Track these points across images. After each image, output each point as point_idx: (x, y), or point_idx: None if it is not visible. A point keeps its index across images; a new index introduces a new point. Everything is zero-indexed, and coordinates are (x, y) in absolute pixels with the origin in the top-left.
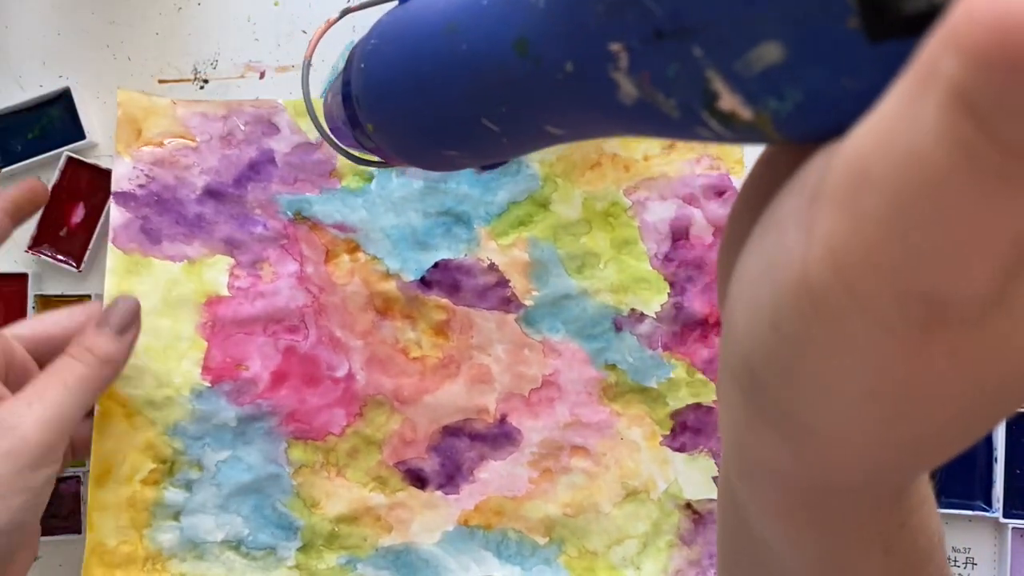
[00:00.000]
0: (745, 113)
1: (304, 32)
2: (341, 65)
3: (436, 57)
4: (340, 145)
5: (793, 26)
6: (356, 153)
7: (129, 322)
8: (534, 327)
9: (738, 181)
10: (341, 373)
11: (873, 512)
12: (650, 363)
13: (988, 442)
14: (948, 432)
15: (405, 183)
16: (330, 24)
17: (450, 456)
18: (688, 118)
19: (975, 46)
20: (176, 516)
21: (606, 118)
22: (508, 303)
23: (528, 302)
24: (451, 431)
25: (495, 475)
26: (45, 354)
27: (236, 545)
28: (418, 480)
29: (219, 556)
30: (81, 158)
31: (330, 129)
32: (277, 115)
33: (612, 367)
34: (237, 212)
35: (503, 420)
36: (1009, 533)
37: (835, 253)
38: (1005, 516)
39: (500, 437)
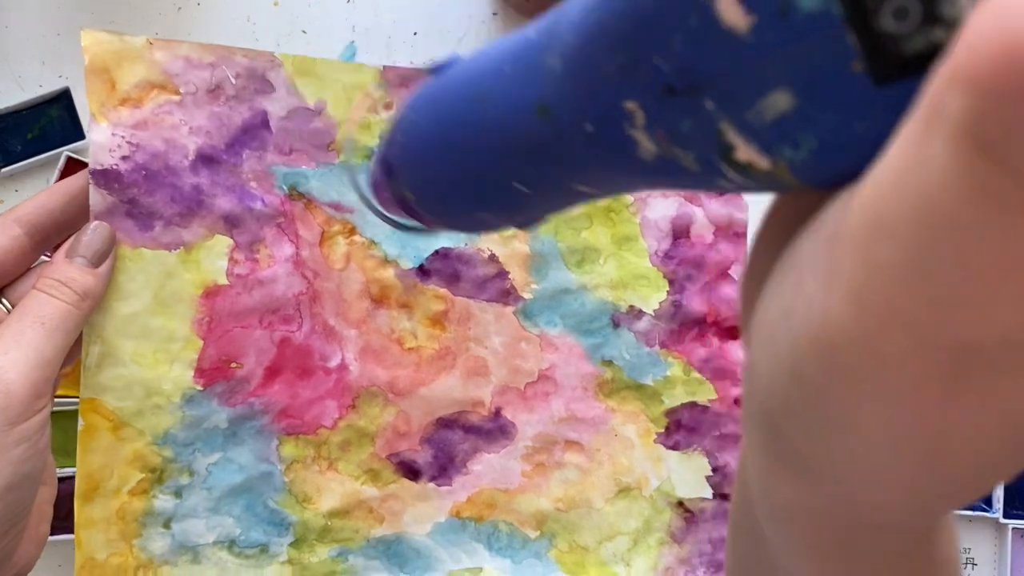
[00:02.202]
0: (762, 163)
1: (304, 32)
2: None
3: (465, 124)
4: (386, 214)
5: (799, 74)
6: (403, 221)
7: (104, 252)
8: (532, 320)
9: None
10: (334, 363)
11: (903, 548)
12: (647, 360)
13: None
14: (983, 472)
15: None
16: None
17: (443, 448)
18: (708, 171)
19: (979, 78)
20: (167, 524)
21: (630, 174)
22: (507, 295)
23: (527, 295)
24: (445, 423)
25: (488, 468)
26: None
27: (228, 545)
28: (411, 472)
29: (211, 557)
30: (81, 158)
31: (377, 198)
32: (273, 70)
33: (608, 363)
34: (233, 183)
35: (498, 413)
36: (1009, 533)
37: (853, 304)
38: (1005, 516)
39: (494, 430)
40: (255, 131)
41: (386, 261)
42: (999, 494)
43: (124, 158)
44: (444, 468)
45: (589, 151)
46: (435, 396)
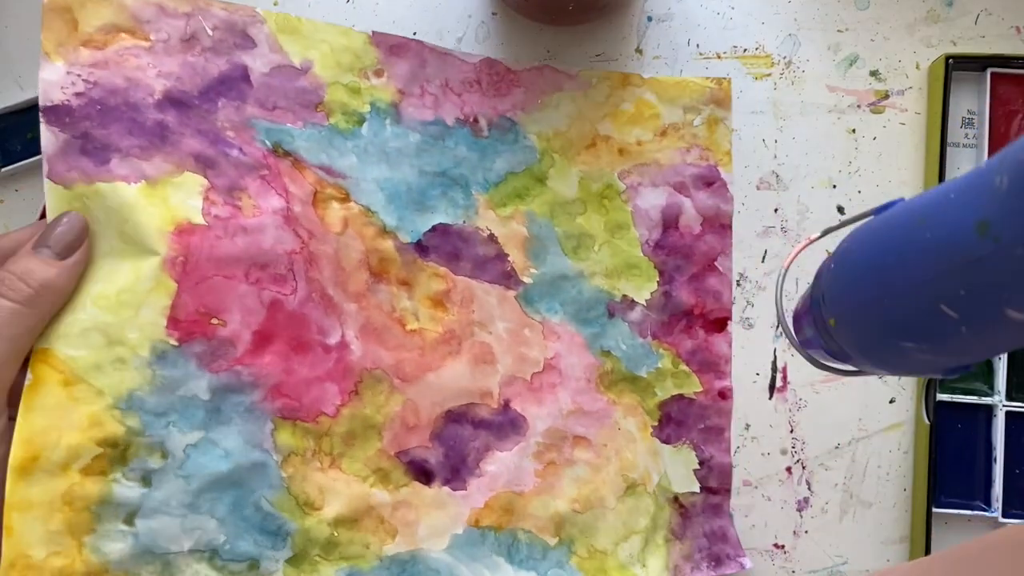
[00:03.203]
0: None
1: None
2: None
3: (902, 249)
4: (808, 353)
5: None
6: (822, 361)
7: (72, 242)
8: (533, 306)
9: (727, 174)
10: (334, 340)
11: None
12: (641, 352)
13: (988, 442)
14: None
15: (400, 133)
16: (810, 241)
17: (454, 446)
18: None
19: None
20: (129, 519)
21: None
22: (508, 278)
23: (527, 279)
24: (454, 417)
25: (503, 468)
26: None
27: (209, 556)
28: (423, 473)
29: (185, 571)
30: None
31: (799, 337)
32: (254, 26)
33: (607, 354)
34: (206, 128)
35: (507, 406)
36: None
37: None
38: (1004, 516)
39: (505, 424)
40: (233, 83)
41: (384, 231)
42: (998, 494)
43: (78, 94)
44: (457, 469)
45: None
46: (443, 384)
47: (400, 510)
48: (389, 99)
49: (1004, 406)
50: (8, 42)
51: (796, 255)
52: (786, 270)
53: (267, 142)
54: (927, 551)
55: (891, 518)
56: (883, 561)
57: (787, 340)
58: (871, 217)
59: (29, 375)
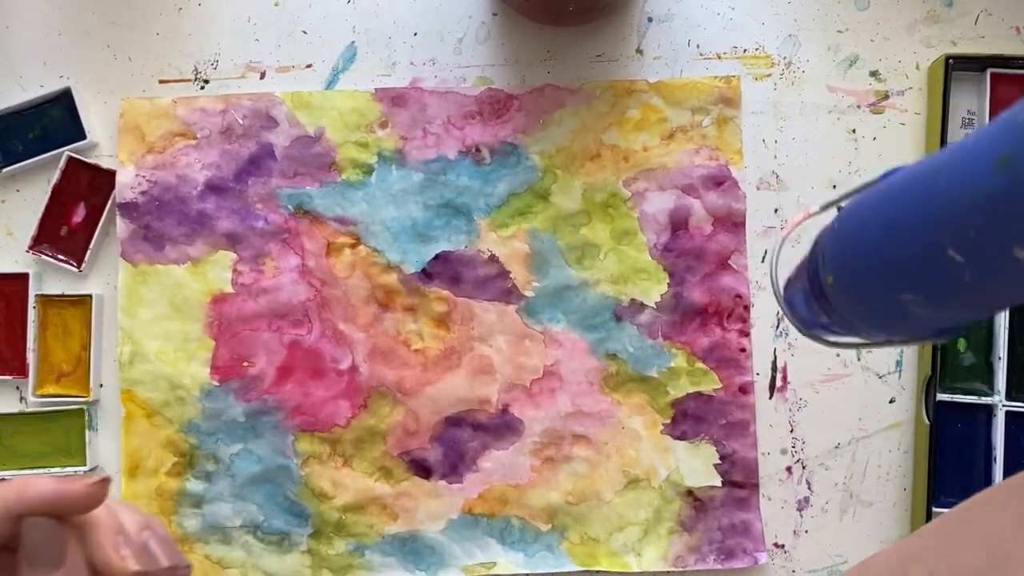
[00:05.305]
0: None
1: (304, 32)
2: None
3: (911, 196)
4: (798, 321)
5: None
6: (811, 331)
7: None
8: (534, 318)
9: (737, 172)
10: (345, 365)
11: None
12: (651, 352)
13: (988, 442)
14: None
15: (405, 175)
16: (808, 215)
17: (453, 446)
18: None
19: None
20: (198, 504)
21: None
22: (509, 294)
23: (529, 293)
24: (453, 421)
25: (498, 464)
26: None
27: (253, 530)
28: (423, 470)
29: (238, 540)
30: (82, 158)
31: (790, 302)
32: (275, 108)
33: (613, 357)
34: (238, 207)
35: (505, 410)
36: None
37: None
38: None
39: (502, 427)
40: (261, 161)
41: (389, 267)
42: None
43: (142, 192)
44: (455, 466)
45: None
46: (441, 395)
47: (401, 499)
48: (393, 146)
49: (1004, 406)
50: (9, 42)
51: (795, 226)
52: (784, 239)
53: (289, 207)
54: None
55: (891, 518)
56: None
57: (784, 318)
58: (877, 181)
59: (123, 410)
